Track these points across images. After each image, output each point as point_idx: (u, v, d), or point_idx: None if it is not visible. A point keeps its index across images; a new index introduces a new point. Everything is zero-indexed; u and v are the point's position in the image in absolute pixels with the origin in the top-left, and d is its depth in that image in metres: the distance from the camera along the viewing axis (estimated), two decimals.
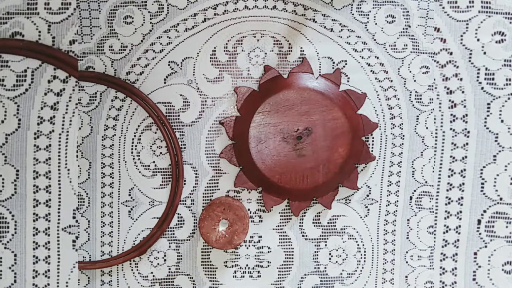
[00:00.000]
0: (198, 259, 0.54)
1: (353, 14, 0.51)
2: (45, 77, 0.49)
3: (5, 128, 0.48)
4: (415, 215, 0.53)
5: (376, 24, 0.51)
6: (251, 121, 0.49)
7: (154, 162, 0.52)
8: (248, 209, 0.53)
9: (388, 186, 0.53)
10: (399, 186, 0.53)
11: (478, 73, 0.52)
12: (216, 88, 0.51)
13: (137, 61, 0.50)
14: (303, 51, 0.51)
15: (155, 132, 0.51)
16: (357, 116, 0.51)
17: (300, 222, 0.53)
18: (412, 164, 0.53)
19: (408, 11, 0.51)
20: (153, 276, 0.53)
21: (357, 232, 0.54)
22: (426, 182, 0.53)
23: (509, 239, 0.53)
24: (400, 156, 0.53)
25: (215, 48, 0.51)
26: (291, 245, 0.54)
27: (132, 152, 0.51)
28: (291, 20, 0.51)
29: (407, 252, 0.54)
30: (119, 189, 0.52)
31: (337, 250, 0.54)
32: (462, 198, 0.53)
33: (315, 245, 0.54)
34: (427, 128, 0.53)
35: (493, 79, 0.51)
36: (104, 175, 0.51)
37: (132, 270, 0.53)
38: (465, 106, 0.52)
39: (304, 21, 0.51)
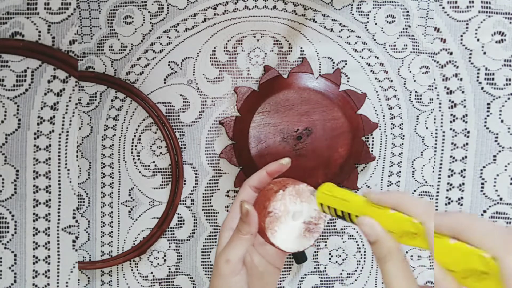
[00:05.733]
0: (198, 259, 0.54)
1: (353, 14, 0.51)
2: (45, 77, 0.48)
3: (5, 128, 0.48)
4: None
5: (376, 24, 0.51)
6: (251, 121, 0.49)
7: (154, 162, 0.52)
8: None
9: (388, 186, 0.53)
10: (399, 186, 0.53)
11: (478, 73, 0.52)
12: (216, 88, 0.51)
13: (137, 61, 0.50)
14: (303, 51, 0.51)
15: (155, 132, 0.51)
16: (357, 116, 0.51)
17: None
18: (412, 164, 0.53)
19: (408, 11, 0.51)
20: (153, 276, 0.53)
21: (357, 232, 0.54)
22: (426, 182, 0.53)
23: None
24: (400, 156, 0.53)
25: (215, 48, 0.51)
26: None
27: (132, 152, 0.51)
28: (291, 20, 0.51)
29: (407, 252, 0.54)
30: (119, 189, 0.52)
31: (337, 250, 0.54)
32: (462, 198, 0.53)
33: (315, 245, 0.54)
34: (427, 128, 0.53)
35: (493, 79, 0.51)
36: (104, 175, 0.51)
37: (132, 270, 0.53)
38: (465, 106, 0.52)
39: (304, 21, 0.51)
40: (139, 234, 0.53)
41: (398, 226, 0.30)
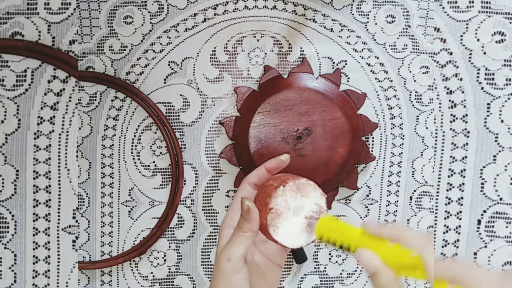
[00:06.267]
0: (198, 259, 0.54)
1: (353, 14, 0.51)
2: (45, 77, 0.48)
3: (5, 128, 0.48)
4: (415, 215, 0.53)
5: (376, 24, 0.51)
6: (251, 121, 0.49)
7: (154, 162, 0.52)
8: None
9: (388, 186, 0.53)
10: (399, 186, 0.53)
11: (478, 73, 0.52)
12: (216, 88, 0.51)
13: (137, 61, 0.50)
14: (303, 51, 0.51)
15: (155, 132, 0.51)
16: (357, 116, 0.51)
17: None
18: (412, 164, 0.53)
19: (408, 11, 0.51)
20: (153, 276, 0.53)
21: None
22: (426, 182, 0.53)
23: (509, 239, 0.53)
24: (400, 156, 0.53)
25: (215, 48, 0.51)
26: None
27: (132, 152, 0.51)
28: (291, 20, 0.51)
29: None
30: (119, 189, 0.52)
31: (337, 250, 0.54)
32: (462, 198, 0.53)
33: (315, 245, 0.54)
34: (427, 128, 0.53)
35: (493, 79, 0.51)
36: (104, 175, 0.51)
37: (132, 270, 0.53)
38: (465, 106, 0.52)
39: (304, 21, 0.51)
40: (139, 234, 0.53)
41: (396, 259, 0.32)
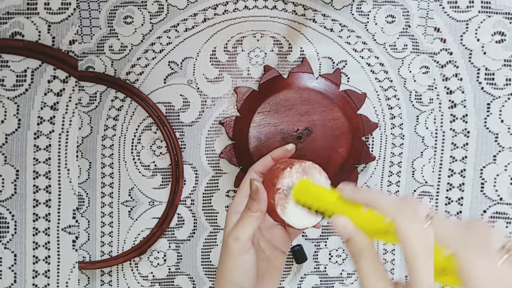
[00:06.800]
0: (198, 259, 0.54)
1: (353, 14, 0.51)
2: (45, 77, 0.48)
3: (5, 128, 0.48)
4: None
5: (376, 24, 0.51)
6: (251, 121, 0.49)
7: (154, 162, 0.52)
8: None
9: (388, 186, 0.53)
10: (399, 186, 0.53)
11: (478, 73, 0.52)
12: (216, 88, 0.51)
13: (137, 61, 0.50)
14: (303, 51, 0.51)
15: (155, 132, 0.51)
16: (357, 116, 0.51)
17: None
18: (412, 164, 0.53)
19: (408, 11, 0.51)
20: (153, 276, 0.53)
21: None
22: (426, 182, 0.53)
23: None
24: (400, 156, 0.53)
25: (215, 48, 0.51)
26: (291, 244, 0.54)
27: (132, 152, 0.51)
28: (291, 20, 0.51)
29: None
30: (119, 189, 0.52)
31: (337, 250, 0.54)
32: (462, 198, 0.53)
33: (315, 245, 0.54)
34: (427, 128, 0.53)
35: (493, 79, 0.51)
36: (104, 175, 0.51)
37: (132, 270, 0.53)
38: (465, 106, 0.52)
39: (304, 21, 0.51)
40: (139, 234, 0.53)
41: (370, 224, 0.33)
